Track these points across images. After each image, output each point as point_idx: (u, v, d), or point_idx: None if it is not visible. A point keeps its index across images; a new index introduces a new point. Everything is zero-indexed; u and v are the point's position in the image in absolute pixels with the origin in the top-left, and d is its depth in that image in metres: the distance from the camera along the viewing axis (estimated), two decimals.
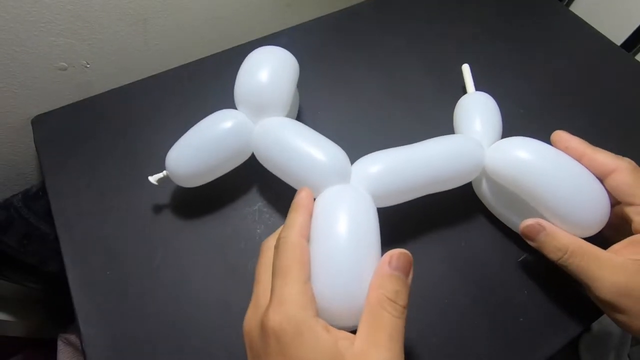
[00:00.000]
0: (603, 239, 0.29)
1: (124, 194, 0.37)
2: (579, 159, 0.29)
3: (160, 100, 0.43)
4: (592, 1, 0.57)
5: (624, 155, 0.41)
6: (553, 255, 0.28)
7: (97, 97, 0.43)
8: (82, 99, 0.43)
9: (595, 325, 0.49)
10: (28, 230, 0.51)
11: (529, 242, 0.30)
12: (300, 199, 0.26)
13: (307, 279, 0.23)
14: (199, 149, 0.32)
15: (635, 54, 0.55)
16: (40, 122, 0.41)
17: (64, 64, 0.43)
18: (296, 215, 0.25)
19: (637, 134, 0.43)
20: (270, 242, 0.26)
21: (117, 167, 0.39)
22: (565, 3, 0.59)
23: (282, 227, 0.26)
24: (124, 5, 0.42)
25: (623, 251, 0.27)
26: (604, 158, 0.29)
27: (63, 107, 0.42)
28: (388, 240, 0.34)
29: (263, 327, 0.21)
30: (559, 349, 0.31)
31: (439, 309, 0.32)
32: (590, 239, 0.28)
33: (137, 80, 0.44)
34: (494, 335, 0.32)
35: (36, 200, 0.50)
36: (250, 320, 0.23)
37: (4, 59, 0.40)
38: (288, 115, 0.35)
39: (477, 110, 0.36)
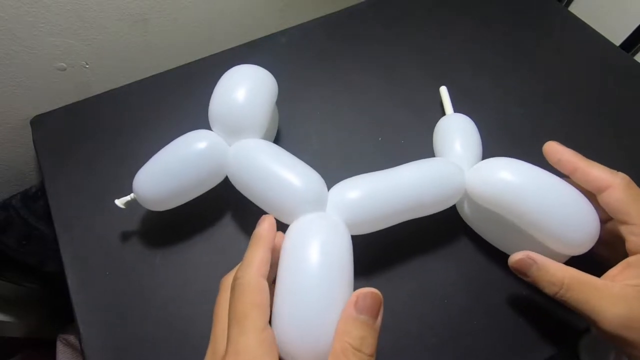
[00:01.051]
0: (596, 256, 0.28)
1: (122, 194, 0.37)
2: (572, 172, 0.28)
3: (159, 100, 0.43)
4: (591, 1, 0.57)
5: (623, 155, 0.41)
6: (548, 290, 0.26)
7: (97, 98, 0.43)
8: (81, 99, 0.43)
9: None
10: (27, 230, 0.51)
11: (522, 277, 0.28)
12: (262, 230, 0.24)
13: (266, 324, 0.21)
14: (169, 172, 0.30)
15: (635, 54, 0.55)
16: (40, 123, 0.41)
17: (63, 64, 0.43)
18: (256, 250, 0.23)
19: (637, 134, 0.43)
20: (228, 280, 0.24)
21: (116, 167, 0.38)
22: (564, 3, 0.59)
23: (241, 263, 0.23)
24: (124, 5, 0.42)
25: (619, 276, 0.26)
26: (599, 173, 0.27)
27: (62, 108, 0.42)
28: (386, 244, 0.34)
29: None
30: (559, 350, 0.31)
31: (439, 309, 0.32)
32: (585, 257, 0.28)
33: (136, 81, 0.44)
34: (494, 335, 0.32)
35: (35, 200, 0.50)
36: None
37: (3, 59, 0.39)
38: (265, 136, 0.33)
39: (456, 133, 0.35)
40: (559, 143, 0.30)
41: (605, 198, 0.27)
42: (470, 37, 0.50)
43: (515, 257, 0.28)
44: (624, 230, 0.26)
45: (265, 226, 0.24)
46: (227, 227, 0.36)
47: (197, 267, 0.34)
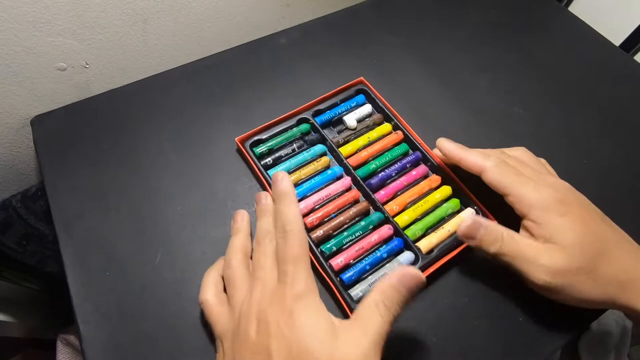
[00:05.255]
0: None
1: (123, 194, 0.37)
2: (458, 162, 0.33)
3: (159, 100, 0.43)
4: (591, 2, 0.57)
5: (622, 155, 0.41)
6: (492, 247, 0.30)
7: (97, 98, 0.43)
8: (81, 99, 0.43)
9: (595, 325, 0.49)
10: (27, 230, 0.51)
11: (469, 242, 0.32)
12: (287, 185, 0.29)
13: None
14: None
15: (634, 54, 0.55)
16: (40, 123, 0.41)
17: (63, 64, 0.43)
18: (294, 205, 0.28)
19: (636, 134, 0.43)
20: (236, 249, 0.30)
21: (117, 167, 0.38)
22: (564, 3, 0.59)
23: (280, 216, 0.28)
24: (124, 5, 0.42)
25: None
26: (475, 158, 0.32)
27: (62, 108, 0.42)
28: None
29: (278, 303, 0.24)
30: (558, 349, 0.31)
31: (439, 309, 0.32)
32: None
33: (137, 81, 0.44)
34: (493, 335, 0.32)
35: (35, 200, 0.50)
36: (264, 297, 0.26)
37: (4, 60, 0.39)
38: None
39: None
40: (446, 139, 0.34)
41: (484, 179, 0.32)
42: (470, 37, 0.50)
43: (465, 224, 0.32)
44: (508, 200, 0.31)
45: (287, 182, 0.29)
46: (227, 227, 0.36)
47: (197, 267, 0.34)
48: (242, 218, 0.33)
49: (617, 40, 0.54)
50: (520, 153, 0.34)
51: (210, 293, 0.29)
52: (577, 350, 0.47)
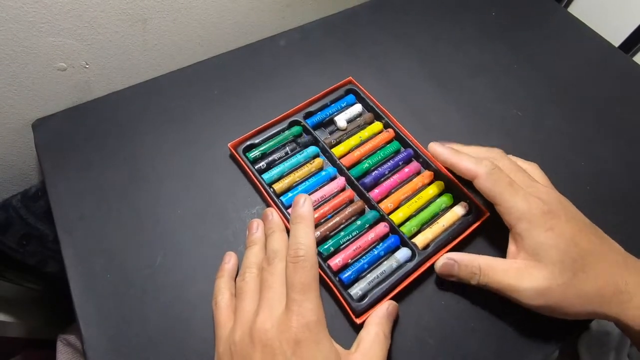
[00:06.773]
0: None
1: (124, 196, 0.37)
2: (451, 168, 0.33)
3: (160, 103, 0.43)
4: (590, 3, 0.57)
5: (621, 155, 0.42)
6: (472, 280, 0.31)
7: (98, 101, 0.43)
8: (81, 99, 0.43)
9: (594, 325, 0.49)
10: (27, 230, 0.51)
11: (449, 279, 0.32)
12: (306, 210, 0.30)
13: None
14: None
15: (633, 55, 0.55)
16: (42, 126, 0.41)
17: (63, 64, 0.43)
18: (308, 229, 0.29)
19: (635, 135, 0.43)
20: (253, 260, 0.31)
21: (118, 170, 0.39)
22: (563, 4, 0.59)
23: (292, 240, 0.28)
24: (124, 5, 0.42)
25: (515, 253, 0.31)
26: (467, 165, 0.31)
27: (64, 111, 0.42)
28: None
29: (284, 332, 0.25)
30: (556, 349, 0.31)
31: (435, 310, 0.33)
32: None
33: (138, 84, 0.44)
34: (490, 337, 0.32)
35: (35, 200, 0.50)
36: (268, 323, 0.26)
37: (3, 60, 0.39)
38: None
39: None
40: (438, 143, 0.34)
41: (476, 186, 0.31)
42: (469, 38, 0.50)
43: (439, 264, 0.32)
44: (497, 210, 0.31)
45: (307, 206, 0.29)
46: (227, 229, 0.36)
47: (197, 270, 0.34)
48: (257, 228, 0.33)
49: (617, 41, 0.54)
50: (508, 163, 0.33)
51: (222, 296, 0.30)
52: (576, 350, 0.47)
